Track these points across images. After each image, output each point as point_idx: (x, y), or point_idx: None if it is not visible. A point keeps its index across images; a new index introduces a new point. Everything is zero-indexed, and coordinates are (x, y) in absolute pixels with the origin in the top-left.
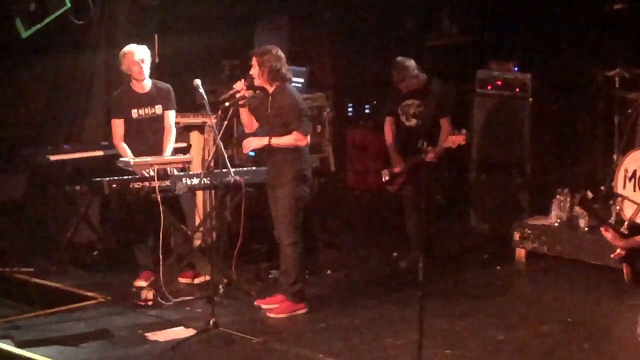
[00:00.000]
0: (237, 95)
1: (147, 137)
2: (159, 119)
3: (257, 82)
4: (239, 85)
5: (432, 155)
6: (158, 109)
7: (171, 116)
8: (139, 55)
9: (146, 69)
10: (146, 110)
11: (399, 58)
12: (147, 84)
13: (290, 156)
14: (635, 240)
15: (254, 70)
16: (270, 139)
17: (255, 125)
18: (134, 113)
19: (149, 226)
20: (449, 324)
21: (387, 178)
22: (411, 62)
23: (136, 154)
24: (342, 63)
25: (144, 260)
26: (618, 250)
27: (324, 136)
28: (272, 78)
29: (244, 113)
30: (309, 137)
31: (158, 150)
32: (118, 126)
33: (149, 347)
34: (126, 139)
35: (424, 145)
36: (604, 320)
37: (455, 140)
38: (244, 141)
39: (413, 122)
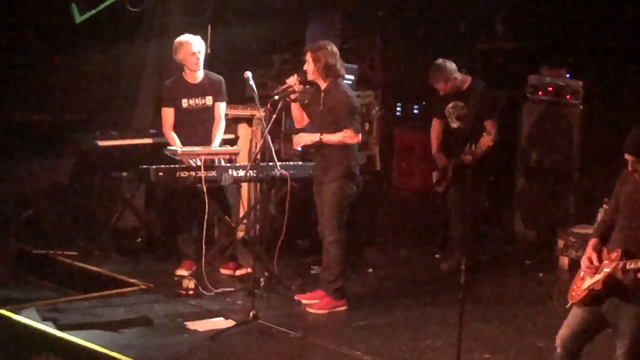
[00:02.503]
0: (289, 90)
1: (196, 128)
2: (209, 110)
3: (311, 77)
4: (292, 80)
5: (468, 156)
6: (208, 100)
7: (221, 107)
8: (196, 47)
9: (201, 60)
10: (196, 100)
11: (438, 60)
12: (200, 74)
13: (339, 153)
14: None
15: (308, 67)
16: (321, 135)
17: (306, 120)
18: (184, 103)
19: (193, 216)
20: (488, 329)
21: (436, 179)
22: (449, 64)
23: (184, 143)
24: (392, 62)
25: (187, 250)
26: None
27: (372, 134)
28: (326, 74)
29: (295, 108)
30: (360, 135)
31: (206, 140)
32: (168, 115)
33: (188, 336)
34: (175, 129)
35: (471, 148)
36: None
37: (483, 142)
38: (295, 136)
39: (457, 123)
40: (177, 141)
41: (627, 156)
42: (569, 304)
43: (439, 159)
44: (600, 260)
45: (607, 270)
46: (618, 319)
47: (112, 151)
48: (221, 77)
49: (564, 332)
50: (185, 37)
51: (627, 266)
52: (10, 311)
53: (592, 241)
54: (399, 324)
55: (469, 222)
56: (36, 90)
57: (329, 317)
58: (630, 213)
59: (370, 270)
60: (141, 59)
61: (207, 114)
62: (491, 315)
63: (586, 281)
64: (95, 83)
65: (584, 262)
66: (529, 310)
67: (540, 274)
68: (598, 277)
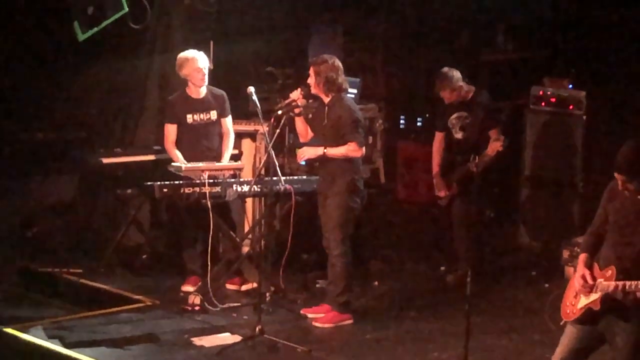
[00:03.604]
0: (293, 104)
1: (201, 143)
2: (214, 125)
3: (314, 91)
4: (296, 94)
5: (474, 167)
6: (213, 114)
7: (228, 122)
8: (202, 63)
9: (206, 75)
10: (201, 115)
11: (444, 68)
12: (203, 90)
13: (343, 167)
14: None
15: (312, 80)
16: (325, 149)
17: (310, 134)
18: (189, 118)
19: (198, 232)
20: (495, 340)
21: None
22: (455, 73)
23: (189, 159)
24: (395, 75)
25: (192, 266)
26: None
27: (375, 147)
28: (328, 88)
29: (299, 122)
30: (363, 148)
31: (211, 156)
32: (171, 131)
33: (194, 352)
34: (180, 144)
35: (475, 159)
36: None
37: (493, 147)
38: (299, 150)
39: (460, 134)
40: (180, 157)
41: (617, 175)
42: (562, 322)
43: (438, 185)
44: (593, 277)
45: (604, 289)
46: (615, 336)
47: (116, 168)
48: (223, 92)
49: (561, 351)
50: (190, 53)
51: (628, 288)
52: (17, 330)
53: (582, 257)
54: (405, 337)
55: (474, 234)
56: (39, 109)
57: (335, 331)
58: (622, 229)
59: (376, 283)
60: (144, 75)
61: (212, 128)
62: (497, 326)
63: (581, 300)
64: (98, 100)
65: (578, 281)
66: (536, 321)
67: (546, 285)
68: (595, 296)
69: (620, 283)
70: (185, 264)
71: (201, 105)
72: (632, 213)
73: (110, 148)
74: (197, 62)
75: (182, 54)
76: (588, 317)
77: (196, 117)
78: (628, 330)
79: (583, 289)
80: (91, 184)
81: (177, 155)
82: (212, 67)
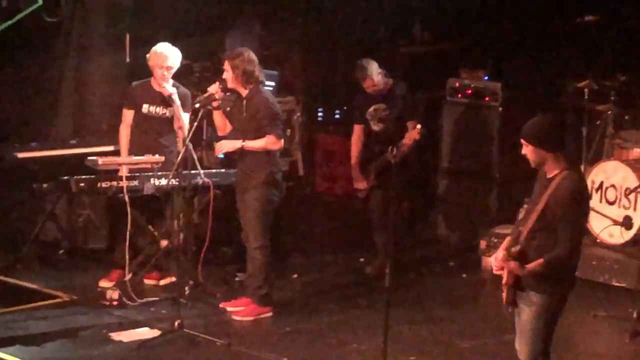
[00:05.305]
0: (211, 98)
1: (149, 134)
2: (168, 122)
3: (231, 85)
4: (214, 87)
5: (391, 157)
6: (169, 111)
7: (185, 117)
8: (169, 62)
9: (169, 75)
10: (157, 109)
11: (361, 59)
12: (167, 86)
13: (261, 159)
14: None
15: (227, 75)
16: (243, 142)
17: (229, 127)
18: (145, 108)
19: (118, 226)
20: (413, 331)
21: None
22: (372, 64)
23: (136, 147)
24: (313, 67)
25: (122, 261)
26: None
27: (294, 140)
28: (246, 81)
29: (218, 116)
30: (282, 141)
31: (156, 149)
32: (127, 115)
33: (113, 347)
34: (133, 132)
35: (393, 151)
36: (568, 330)
37: (410, 135)
38: (217, 144)
39: (378, 126)
40: (124, 146)
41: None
42: (510, 308)
43: (357, 177)
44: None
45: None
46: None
47: (32, 163)
48: (188, 91)
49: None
50: (160, 48)
51: (509, 255)
52: None
53: (505, 240)
54: (325, 329)
55: (392, 225)
56: None
57: (254, 324)
58: (531, 206)
59: (295, 275)
60: (60, 69)
61: (165, 125)
62: (416, 317)
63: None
64: (13, 94)
65: (493, 264)
66: (454, 311)
67: (464, 275)
68: (505, 273)
69: (502, 254)
70: (116, 258)
71: (160, 100)
72: (539, 191)
73: (26, 142)
74: (161, 59)
75: (156, 46)
76: (510, 296)
77: (152, 108)
78: (526, 299)
79: (498, 270)
80: (6, 179)
81: (124, 140)
82: (128, 61)
